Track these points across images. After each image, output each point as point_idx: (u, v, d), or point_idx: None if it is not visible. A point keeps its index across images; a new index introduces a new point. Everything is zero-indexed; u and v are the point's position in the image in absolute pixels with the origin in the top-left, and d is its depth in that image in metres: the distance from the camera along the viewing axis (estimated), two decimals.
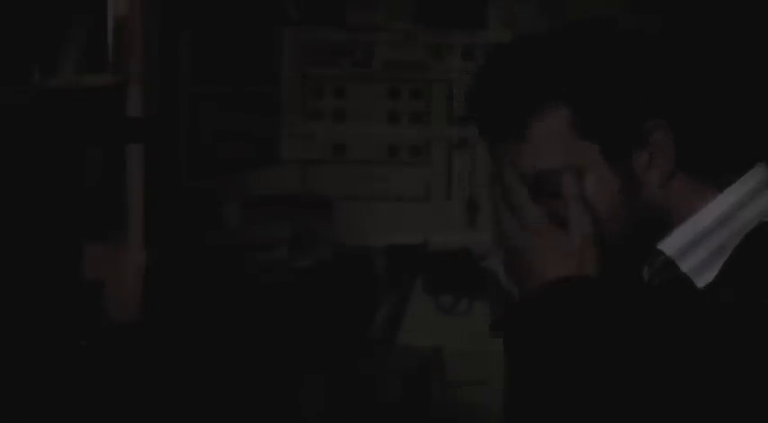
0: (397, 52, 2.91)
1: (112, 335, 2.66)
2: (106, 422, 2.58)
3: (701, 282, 1.32)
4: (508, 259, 1.38)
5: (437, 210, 2.92)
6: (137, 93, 2.76)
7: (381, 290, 2.90)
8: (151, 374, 2.66)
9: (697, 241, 1.33)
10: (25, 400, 2.49)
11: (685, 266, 1.33)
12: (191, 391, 2.72)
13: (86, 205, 2.72)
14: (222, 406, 2.76)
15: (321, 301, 2.84)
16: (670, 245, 1.34)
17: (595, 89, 1.33)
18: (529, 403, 1.30)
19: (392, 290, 2.90)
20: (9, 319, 2.52)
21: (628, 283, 1.36)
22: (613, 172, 1.33)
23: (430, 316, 2.91)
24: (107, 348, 2.63)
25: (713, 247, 1.32)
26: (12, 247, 2.56)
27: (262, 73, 2.87)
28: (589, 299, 1.29)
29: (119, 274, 2.72)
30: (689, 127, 1.33)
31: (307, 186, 2.88)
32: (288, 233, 2.85)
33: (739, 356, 1.22)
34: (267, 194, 2.87)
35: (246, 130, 2.86)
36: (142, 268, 2.74)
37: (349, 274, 2.87)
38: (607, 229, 1.34)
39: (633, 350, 1.25)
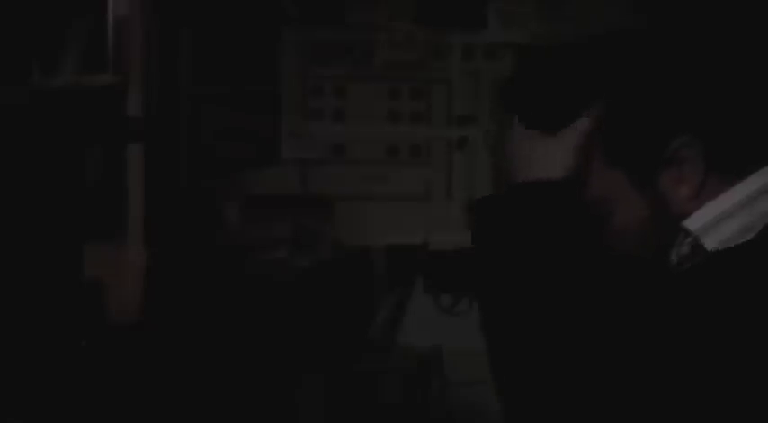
0: (397, 52, 2.91)
1: (112, 335, 2.66)
2: (106, 422, 2.58)
3: None
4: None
5: (437, 210, 2.92)
6: (137, 93, 2.76)
7: (381, 290, 2.90)
8: (151, 374, 2.67)
9: (721, 220, 1.33)
10: (26, 400, 2.49)
11: (710, 244, 1.33)
12: (191, 391, 2.72)
13: (86, 205, 2.72)
14: (222, 406, 2.76)
15: (321, 301, 2.84)
16: (694, 221, 1.34)
17: (620, 115, 1.33)
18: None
19: (392, 290, 2.90)
20: (10, 319, 2.52)
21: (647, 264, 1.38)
22: (642, 197, 1.35)
23: (430, 316, 2.91)
24: (107, 348, 2.63)
25: (736, 227, 1.33)
26: (12, 247, 2.56)
27: (262, 73, 2.87)
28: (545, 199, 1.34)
29: (119, 274, 2.72)
30: (715, 135, 1.34)
31: (307, 186, 2.88)
32: (288, 233, 2.85)
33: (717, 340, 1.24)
34: (267, 194, 2.87)
35: (246, 130, 2.86)
36: (142, 268, 2.74)
37: (349, 274, 2.87)
38: (636, 249, 1.36)
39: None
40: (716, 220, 1.33)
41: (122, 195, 2.76)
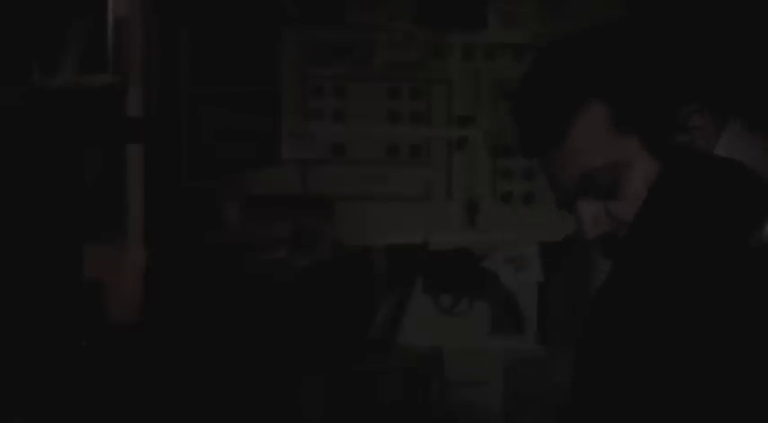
0: (397, 52, 2.91)
1: (112, 335, 2.66)
2: (106, 422, 2.58)
3: None
4: None
5: (437, 210, 2.92)
6: (137, 93, 2.76)
7: (381, 290, 2.89)
8: (151, 375, 2.67)
9: None
10: (26, 400, 2.49)
11: None
12: (191, 391, 2.72)
13: (86, 205, 2.72)
14: (222, 406, 2.76)
15: (321, 300, 2.84)
16: None
17: (630, 83, 1.36)
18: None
19: (392, 290, 2.90)
20: (10, 319, 2.52)
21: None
22: (654, 160, 1.36)
23: (430, 316, 2.91)
24: (107, 348, 2.63)
25: None
26: (12, 247, 2.56)
27: (261, 73, 2.87)
28: None
29: (119, 274, 2.72)
30: (725, 102, 1.36)
31: (307, 186, 2.88)
32: (288, 233, 2.85)
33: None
34: (267, 194, 2.86)
35: (246, 130, 2.86)
36: (142, 268, 2.74)
37: (349, 274, 2.87)
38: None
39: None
40: None
41: (122, 195, 2.76)
